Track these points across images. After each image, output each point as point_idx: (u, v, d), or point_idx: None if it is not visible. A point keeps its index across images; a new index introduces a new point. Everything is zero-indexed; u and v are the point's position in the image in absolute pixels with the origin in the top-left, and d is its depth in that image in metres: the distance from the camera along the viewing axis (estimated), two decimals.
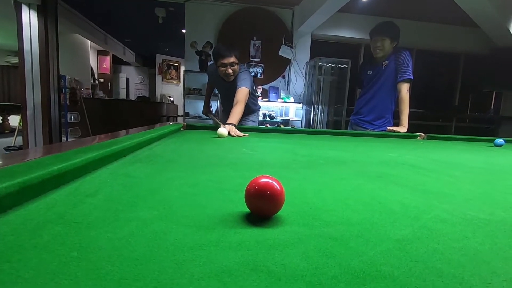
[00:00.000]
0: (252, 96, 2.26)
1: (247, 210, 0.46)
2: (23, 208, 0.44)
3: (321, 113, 4.90)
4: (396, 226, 0.44)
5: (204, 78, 4.87)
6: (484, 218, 0.50)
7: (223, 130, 1.60)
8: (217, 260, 0.32)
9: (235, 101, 1.97)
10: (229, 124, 1.77)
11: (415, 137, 2.18)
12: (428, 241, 0.40)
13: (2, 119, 6.27)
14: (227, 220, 0.43)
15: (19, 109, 3.87)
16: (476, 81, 5.79)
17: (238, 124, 1.88)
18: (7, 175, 0.45)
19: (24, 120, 3.62)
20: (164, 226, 0.40)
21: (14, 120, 6.08)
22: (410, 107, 2.27)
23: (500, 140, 1.86)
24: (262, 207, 0.44)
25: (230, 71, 2.08)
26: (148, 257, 0.32)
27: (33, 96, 3.60)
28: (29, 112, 3.60)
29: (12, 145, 4.67)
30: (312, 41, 5.22)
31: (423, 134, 2.21)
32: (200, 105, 5.10)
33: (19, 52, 3.49)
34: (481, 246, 0.39)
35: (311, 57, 5.10)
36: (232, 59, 2.06)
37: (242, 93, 2.00)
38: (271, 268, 0.31)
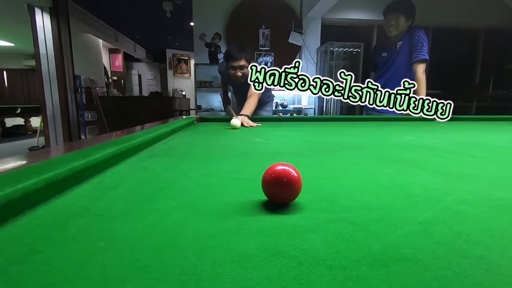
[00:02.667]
0: (265, 91, 2.24)
1: (264, 198, 0.46)
2: (50, 203, 0.46)
3: (334, 99, 4.81)
4: (417, 209, 0.43)
5: (215, 70, 4.86)
6: (511, 198, 0.48)
7: (236, 121, 1.60)
8: (238, 247, 0.32)
9: (248, 95, 1.96)
10: (242, 115, 1.77)
11: (433, 119, 2.10)
12: (452, 223, 0.39)
13: (24, 121, 6.53)
14: (245, 208, 0.44)
15: (39, 110, 4.01)
16: (498, 57, 5.49)
17: (252, 115, 1.88)
18: (34, 173, 0.47)
19: (44, 120, 3.76)
20: (184, 216, 0.41)
21: (35, 121, 6.32)
22: (427, 89, 2.18)
23: None
24: (280, 194, 0.44)
25: (239, 74, 2.07)
26: (170, 246, 0.33)
27: (51, 97, 3.71)
28: (48, 113, 3.72)
29: (35, 145, 4.87)
30: (323, 26, 5.08)
31: None
32: (212, 97, 5.12)
33: (36, 55, 3.59)
34: (509, 226, 0.38)
35: (322, 43, 4.98)
36: (242, 62, 2.03)
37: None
38: (291, 253, 0.31)
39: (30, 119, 6.56)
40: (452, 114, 2.14)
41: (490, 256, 0.30)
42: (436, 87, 5.46)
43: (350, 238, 0.34)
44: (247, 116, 1.77)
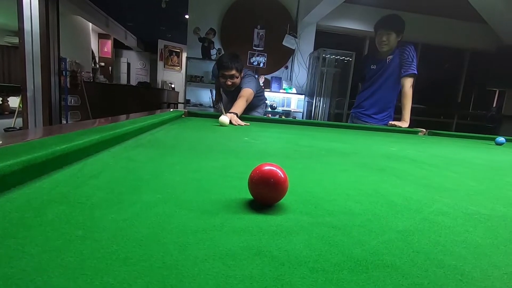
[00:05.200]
0: (257, 95, 2.25)
1: (250, 197, 0.46)
2: (26, 187, 0.44)
3: (322, 105, 4.87)
4: (398, 218, 0.45)
5: (207, 65, 4.82)
6: (485, 213, 0.50)
7: (224, 118, 1.59)
8: (221, 244, 0.32)
9: (239, 95, 1.98)
10: (231, 113, 1.76)
11: (416, 132, 2.17)
12: (430, 233, 0.40)
13: (1, 100, 6.22)
14: (231, 206, 0.43)
15: (19, 90, 3.83)
16: (481, 78, 5.75)
17: (241, 114, 1.88)
18: (10, 154, 0.45)
19: (24, 102, 3.59)
20: (167, 210, 0.40)
21: (13, 102, 6.03)
22: (412, 103, 2.25)
23: (501, 139, 1.85)
24: (265, 194, 0.44)
25: (229, 83, 2.09)
26: (152, 239, 0.32)
27: (33, 77, 3.55)
28: (29, 94, 3.56)
29: (12, 126, 4.65)
30: (317, 32, 5.14)
31: (424, 130, 2.20)
32: (202, 92, 5.08)
33: (19, 32, 3.42)
34: (482, 240, 0.39)
35: (315, 48, 5.04)
36: (232, 72, 2.05)
37: (246, 92, 2.02)
38: (274, 253, 0.31)
39: (8, 99, 6.26)
40: (434, 129, 2.22)
41: (464, 267, 0.32)
42: (420, 102, 5.65)
43: (333, 242, 0.35)
44: (236, 114, 1.77)
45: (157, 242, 0.31)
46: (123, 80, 10.49)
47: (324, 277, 0.28)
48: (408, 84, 2.21)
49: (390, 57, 2.26)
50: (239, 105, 1.89)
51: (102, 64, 9.02)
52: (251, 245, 0.32)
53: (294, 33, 4.84)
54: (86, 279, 0.24)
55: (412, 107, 2.26)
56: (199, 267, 0.27)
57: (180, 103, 7.81)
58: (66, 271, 0.25)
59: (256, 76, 2.29)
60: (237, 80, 2.10)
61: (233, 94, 2.15)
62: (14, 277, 0.24)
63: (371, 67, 2.40)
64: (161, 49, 8.64)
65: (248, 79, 2.13)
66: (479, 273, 0.31)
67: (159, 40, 8.63)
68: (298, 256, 0.31)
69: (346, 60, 4.76)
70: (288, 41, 4.81)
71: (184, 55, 7.76)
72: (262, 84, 4.77)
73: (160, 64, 8.76)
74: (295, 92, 5.01)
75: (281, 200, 0.46)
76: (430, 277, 0.29)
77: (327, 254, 0.32)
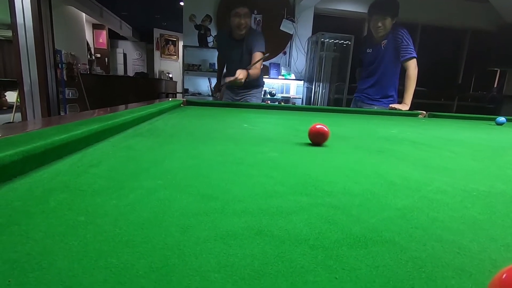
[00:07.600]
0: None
1: (250, 180, 0.46)
2: (27, 176, 0.44)
3: (322, 90, 4.83)
4: (397, 197, 0.45)
5: (204, 54, 4.75)
6: (484, 190, 0.51)
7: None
8: (222, 225, 0.33)
9: (253, 58, 2.06)
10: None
11: (416, 115, 2.16)
12: (428, 210, 0.40)
13: None
14: (230, 190, 0.44)
15: (16, 84, 3.80)
16: (481, 59, 5.67)
17: (241, 100, 1.92)
18: (10, 144, 0.45)
19: (21, 96, 3.57)
20: (168, 194, 0.40)
21: (11, 96, 6.00)
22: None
23: (501, 118, 1.85)
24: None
25: (242, 22, 2.10)
26: (154, 222, 0.32)
27: (29, 71, 3.52)
28: (26, 88, 3.53)
29: (11, 121, 4.64)
30: (315, 16, 5.03)
31: (424, 112, 2.19)
32: (200, 81, 5.03)
33: (12, 26, 3.36)
34: (480, 215, 0.40)
35: (313, 33, 4.95)
36: (246, 10, 2.09)
37: (259, 57, 2.08)
38: (275, 232, 0.32)
39: (5, 94, 6.23)
40: (435, 111, 2.21)
41: (462, 241, 0.32)
42: (421, 85, 5.58)
43: (332, 220, 0.35)
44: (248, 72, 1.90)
45: (159, 225, 0.32)
46: (120, 71, 10.37)
47: (323, 253, 0.28)
48: (411, 66, 2.17)
49: (385, 42, 2.22)
50: (255, 67, 1.99)
51: (98, 55, 8.91)
52: (252, 225, 0.33)
53: (291, 17, 4.75)
54: (90, 260, 0.25)
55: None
56: (201, 247, 0.28)
57: (178, 92, 7.76)
58: (70, 253, 0.26)
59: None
60: (248, 21, 2.13)
61: (238, 54, 2.20)
62: (19, 261, 0.24)
63: (367, 51, 2.36)
64: (157, 38, 8.50)
65: (258, 37, 2.17)
66: (477, 246, 0.31)
67: (155, 29, 8.48)
68: (298, 235, 0.31)
69: (345, 44, 4.69)
70: (285, 26, 4.73)
71: (181, 44, 7.64)
72: None
73: (156, 53, 8.64)
74: (294, 78, 4.95)
75: (280, 183, 0.46)
76: (428, 251, 0.30)
77: (327, 232, 0.32)
